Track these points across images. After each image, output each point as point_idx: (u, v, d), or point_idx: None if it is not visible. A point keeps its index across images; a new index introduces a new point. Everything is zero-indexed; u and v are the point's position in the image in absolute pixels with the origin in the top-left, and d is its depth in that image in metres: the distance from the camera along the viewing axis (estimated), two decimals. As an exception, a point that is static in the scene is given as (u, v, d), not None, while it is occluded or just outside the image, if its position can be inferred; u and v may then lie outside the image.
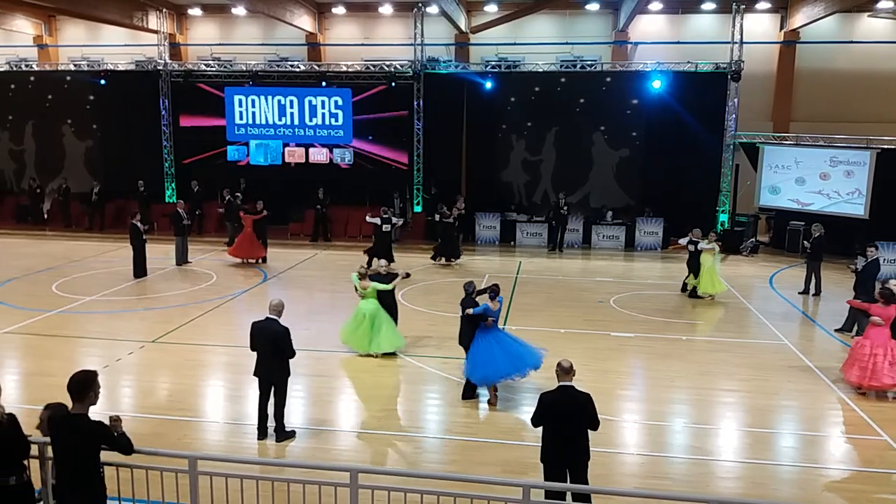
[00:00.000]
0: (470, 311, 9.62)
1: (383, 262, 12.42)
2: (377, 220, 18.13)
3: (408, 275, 12.44)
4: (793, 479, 7.91)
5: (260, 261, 18.79)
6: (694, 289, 15.86)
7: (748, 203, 22.61)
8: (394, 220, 18.44)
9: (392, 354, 11.48)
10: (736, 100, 22.02)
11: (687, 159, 22.26)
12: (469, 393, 9.78)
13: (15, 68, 25.97)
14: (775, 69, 24.49)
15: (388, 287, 11.59)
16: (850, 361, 10.22)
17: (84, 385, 5.13)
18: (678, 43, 23.96)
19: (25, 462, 5.32)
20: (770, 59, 24.37)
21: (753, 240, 21.66)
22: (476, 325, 9.63)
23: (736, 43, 21.57)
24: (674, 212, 22.06)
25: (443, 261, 19.39)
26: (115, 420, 5.41)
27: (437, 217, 20.17)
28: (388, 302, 11.81)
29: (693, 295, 15.84)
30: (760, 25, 24.12)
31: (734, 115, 22.19)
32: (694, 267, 15.84)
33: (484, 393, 9.78)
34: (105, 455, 5.56)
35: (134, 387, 10.33)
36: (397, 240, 20.61)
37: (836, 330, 13.23)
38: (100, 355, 11.41)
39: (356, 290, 11.63)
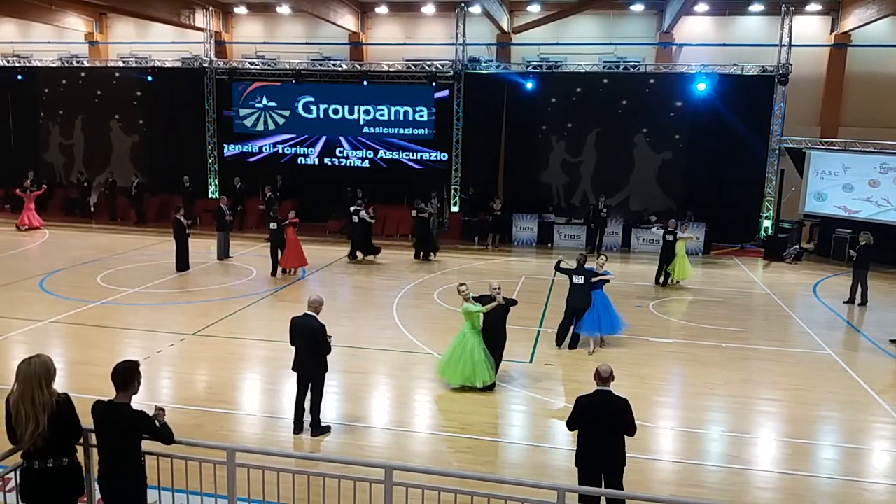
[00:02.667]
0: (608, 276, 12.00)
1: (496, 284, 10.21)
2: (366, 216, 18.94)
3: (514, 301, 10.39)
4: (833, 492, 7.71)
5: (293, 271, 17.38)
6: (668, 276, 16.97)
7: (793, 209, 22.12)
8: (362, 213, 18.97)
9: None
10: (782, 104, 21.61)
11: (731, 163, 21.90)
12: (574, 343, 11.87)
13: (66, 64, 26.68)
14: (824, 73, 23.91)
15: (477, 309, 9.85)
16: None
17: (127, 375, 5.22)
18: (724, 45, 23.54)
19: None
20: (819, 63, 23.80)
21: (797, 247, 21.20)
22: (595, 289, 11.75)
23: (784, 45, 21.15)
24: (716, 217, 21.73)
25: (422, 256, 19.72)
26: (159, 410, 5.51)
27: (413, 213, 20.15)
28: (493, 327, 10.14)
29: (666, 284, 17.00)
30: (810, 28, 23.57)
31: (780, 120, 21.78)
32: (668, 257, 16.82)
33: (512, 390, 9.73)
34: (146, 444, 5.67)
35: (174, 378, 10.52)
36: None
37: (892, 341, 12.84)
38: (141, 346, 11.65)
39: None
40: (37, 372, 4.98)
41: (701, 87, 21.65)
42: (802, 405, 9.93)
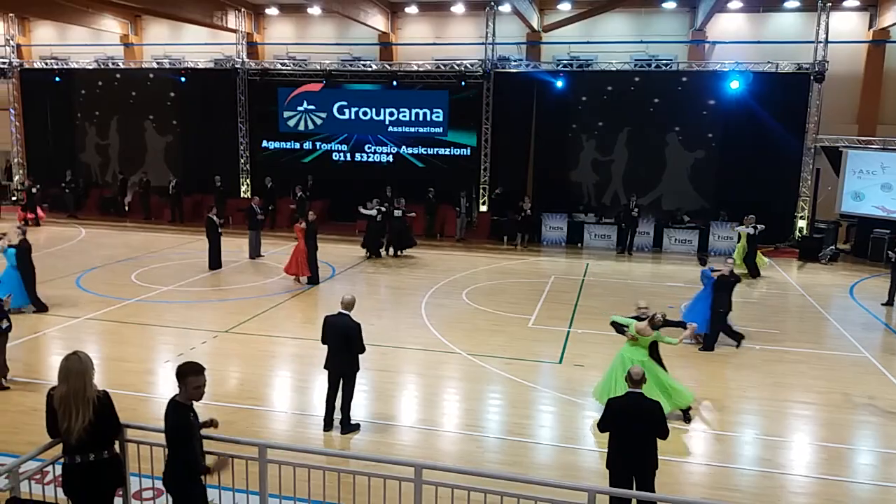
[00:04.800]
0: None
1: (643, 303, 9.66)
2: (372, 212, 19.09)
3: (682, 324, 9.89)
4: (870, 497, 7.55)
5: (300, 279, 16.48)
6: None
7: (828, 209, 21.69)
8: (383, 209, 19.42)
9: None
10: (819, 101, 21.22)
11: (765, 162, 21.57)
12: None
13: (102, 66, 27.17)
14: (862, 69, 23.37)
15: (675, 342, 9.17)
16: None
17: (177, 374, 5.24)
18: (759, 42, 23.15)
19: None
20: (857, 59, 23.27)
21: (833, 247, 20.79)
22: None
23: (821, 42, 20.76)
24: (750, 216, 21.37)
25: (392, 253, 20.11)
26: (210, 423, 5.56)
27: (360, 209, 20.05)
28: (656, 355, 9.55)
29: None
30: (847, 24, 23.05)
31: (816, 118, 21.38)
32: (754, 252, 17.74)
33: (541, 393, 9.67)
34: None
35: (207, 375, 10.62)
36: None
37: None
38: (174, 343, 11.82)
39: (622, 331, 9.26)
40: (86, 368, 5.12)
41: (734, 84, 21.36)
42: (838, 409, 9.74)
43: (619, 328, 9.25)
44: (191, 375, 5.19)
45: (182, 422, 5.17)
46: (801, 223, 21.88)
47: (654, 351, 9.36)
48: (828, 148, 21.56)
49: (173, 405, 5.21)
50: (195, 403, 5.29)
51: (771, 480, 7.77)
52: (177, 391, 5.21)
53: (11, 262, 13.02)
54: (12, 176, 27.18)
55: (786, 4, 22.56)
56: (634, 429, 6.24)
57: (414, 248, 20.43)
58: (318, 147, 25.50)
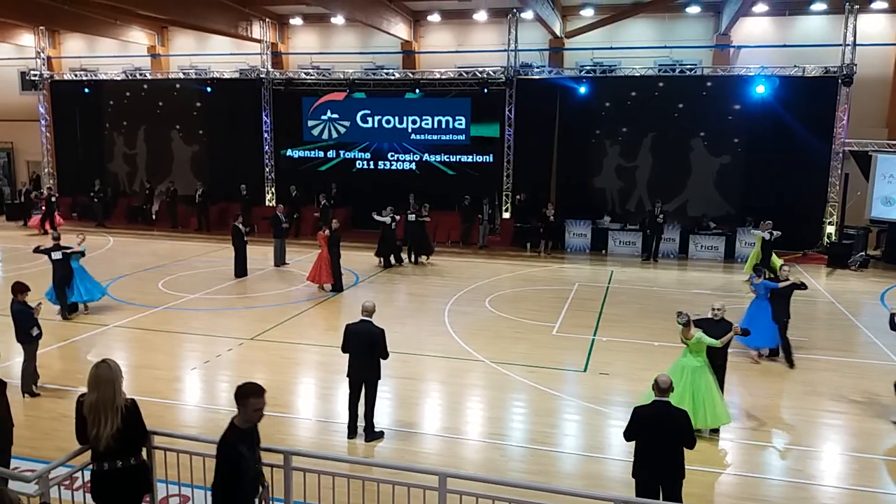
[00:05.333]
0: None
1: (719, 304, 9.39)
2: (386, 219, 18.97)
3: (746, 331, 9.52)
4: (906, 510, 7.40)
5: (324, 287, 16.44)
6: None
7: (858, 215, 21.32)
8: (397, 217, 19.38)
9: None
10: (847, 105, 20.92)
11: (792, 167, 21.30)
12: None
13: (130, 77, 27.62)
14: (891, 72, 23.00)
15: (718, 343, 8.73)
16: None
17: (237, 396, 5.00)
18: (785, 46, 22.89)
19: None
20: (885, 62, 22.91)
21: (863, 253, 20.44)
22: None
23: (848, 45, 20.49)
24: (777, 222, 21.07)
25: (414, 260, 20.19)
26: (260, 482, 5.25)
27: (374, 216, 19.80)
28: (718, 362, 9.15)
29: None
30: (875, 26, 22.70)
31: (844, 122, 21.08)
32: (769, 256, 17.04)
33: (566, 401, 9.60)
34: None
35: (232, 382, 10.65)
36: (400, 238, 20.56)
37: None
38: (201, 351, 11.93)
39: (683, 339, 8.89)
40: (115, 376, 5.19)
41: (760, 89, 21.14)
42: (870, 418, 9.55)
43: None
44: (252, 397, 4.92)
45: (230, 454, 4.83)
46: (830, 229, 21.55)
47: (713, 360, 8.91)
48: (856, 152, 21.22)
49: (229, 431, 4.93)
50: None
51: (801, 491, 7.63)
52: (229, 412, 5.04)
53: (75, 264, 13.71)
54: (40, 185, 27.69)
55: (812, 7, 22.28)
56: (661, 438, 6.17)
57: (437, 256, 20.45)
58: (341, 155, 25.65)
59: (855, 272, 19.66)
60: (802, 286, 11.93)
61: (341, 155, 25.61)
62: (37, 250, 13.78)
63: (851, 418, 9.57)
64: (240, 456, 4.83)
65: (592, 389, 10.41)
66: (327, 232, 16.50)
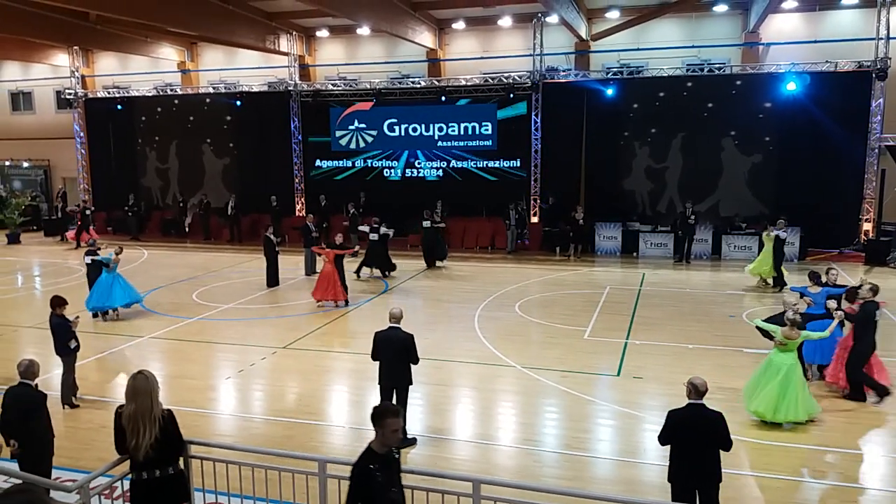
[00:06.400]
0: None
1: (798, 304, 9.43)
2: (366, 228, 18.82)
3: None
4: (954, 513, 7.19)
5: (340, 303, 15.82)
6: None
7: (895, 211, 20.88)
8: (382, 229, 18.75)
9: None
10: (882, 100, 20.51)
11: (826, 164, 20.94)
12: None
13: (161, 93, 28.13)
14: (927, 65, 22.53)
15: (826, 334, 9.30)
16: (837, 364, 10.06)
17: (374, 417, 4.86)
18: (815, 42, 22.52)
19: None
20: (921, 55, 22.46)
21: (903, 250, 19.99)
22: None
23: (881, 39, 20.09)
24: (811, 220, 20.77)
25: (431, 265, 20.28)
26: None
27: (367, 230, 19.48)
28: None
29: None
30: (909, 19, 22.29)
31: (879, 117, 20.66)
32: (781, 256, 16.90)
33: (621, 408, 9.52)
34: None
35: (266, 391, 10.84)
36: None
37: None
38: (235, 360, 12.06)
39: (769, 337, 9.12)
40: (152, 386, 5.29)
41: (791, 86, 20.82)
42: (914, 419, 9.31)
43: (765, 334, 9.19)
44: (389, 417, 4.78)
45: (361, 478, 4.63)
46: (867, 226, 21.10)
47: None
48: (893, 147, 20.78)
49: (364, 455, 4.76)
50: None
51: (843, 494, 7.47)
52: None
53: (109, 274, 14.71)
54: (66, 201, 28.32)
55: (843, 2, 21.93)
56: (696, 441, 6.08)
57: (465, 262, 20.48)
58: (369, 164, 25.83)
59: (894, 270, 19.21)
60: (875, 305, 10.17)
61: (369, 164, 25.82)
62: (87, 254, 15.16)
63: (892, 419, 9.33)
64: (371, 481, 4.61)
65: (626, 393, 10.31)
66: (331, 250, 15.95)
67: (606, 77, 22.93)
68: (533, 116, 23.53)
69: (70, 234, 26.17)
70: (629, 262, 21.34)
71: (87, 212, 25.61)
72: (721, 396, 9.41)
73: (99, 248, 15.19)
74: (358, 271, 18.76)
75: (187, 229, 27.42)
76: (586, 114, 23.35)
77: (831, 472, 8.00)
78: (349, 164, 26.06)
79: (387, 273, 19.15)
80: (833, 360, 10.21)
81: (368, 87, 25.12)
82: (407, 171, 25.43)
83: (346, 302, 15.79)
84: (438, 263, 20.49)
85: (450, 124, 24.71)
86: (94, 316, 14.62)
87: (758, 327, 9.25)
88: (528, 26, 23.78)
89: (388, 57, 27.03)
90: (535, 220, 23.87)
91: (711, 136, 22.34)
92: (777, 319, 9.16)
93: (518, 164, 24.19)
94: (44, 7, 21.14)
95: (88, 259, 14.89)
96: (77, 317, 10.16)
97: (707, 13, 23.41)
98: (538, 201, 23.82)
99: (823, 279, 11.16)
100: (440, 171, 25.05)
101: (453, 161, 24.84)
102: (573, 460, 8.35)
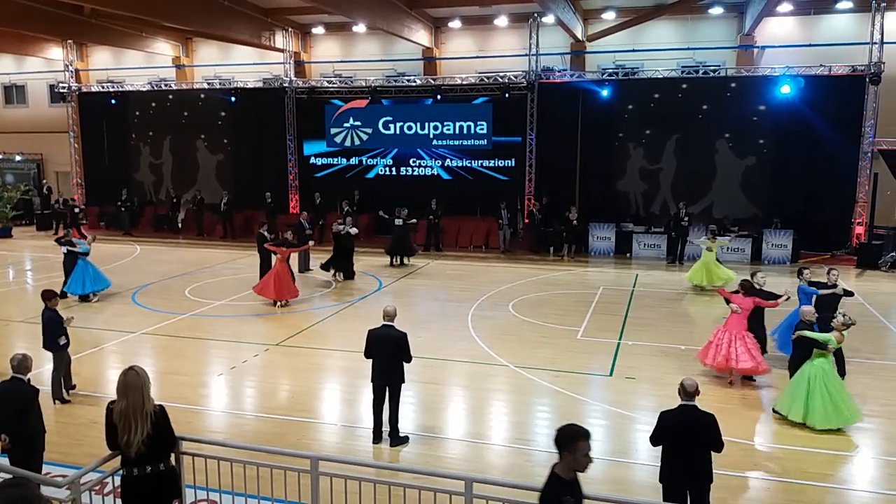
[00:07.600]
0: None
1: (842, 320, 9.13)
2: (340, 228, 18.59)
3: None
4: (942, 515, 7.23)
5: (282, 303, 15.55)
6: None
7: (888, 215, 20.98)
8: (347, 228, 18.45)
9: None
10: (875, 104, 20.60)
11: (819, 167, 21.05)
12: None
13: (155, 88, 28.03)
14: (921, 70, 22.65)
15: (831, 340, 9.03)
16: (710, 348, 10.63)
17: (560, 441, 4.41)
18: (810, 45, 22.61)
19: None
20: (914, 60, 22.57)
21: (893, 254, 20.06)
22: None
23: (875, 43, 20.19)
24: (804, 223, 20.86)
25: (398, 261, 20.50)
26: None
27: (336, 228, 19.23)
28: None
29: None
30: (903, 24, 22.41)
31: (872, 121, 20.77)
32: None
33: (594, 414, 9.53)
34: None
35: (258, 388, 10.82)
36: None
37: None
38: (227, 357, 12.04)
39: (820, 347, 8.96)
40: (143, 382, 5.27)
41: (785, 89, 20.90)
42: (904, 422, 9.36)
43: (816, 345, 8.91)
44: (581, 440, 4.29)
45: None
46: (859, 229, 21.21)
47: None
48: (885, 151, 20.88)
49: (551, 483, 4.36)
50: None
51: (834, 496, 7.51)
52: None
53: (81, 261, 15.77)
54: (50, 198, 28.19)
55: (837, 6, 22.02)
56: (688, 442, 6.11)
57: (458, 261, 20.48)
58: (364, 162, 25.81)
59: (886, 273, 19.32)
60: (849, 294, 11.31)
61: (364, 161, 25.79)
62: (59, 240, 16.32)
63: (884, 422, 9.39)
64: None
65: (618, 394, 10.33)
66: (280, 247, 15.79)
67: (602, 78, 22.98)
68: (528, 116, 23.53)
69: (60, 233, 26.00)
70: (622, 262, 21.39)
71: (77, 210, 25.41)
72: (714, 396, 9.45)
73: (71, 239, 16.36)
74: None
75: (180, 225, 27.33)
76: (581, 114, 23.40)
77: (823, 474, 8.03)
78: (344, 161, 26.03)
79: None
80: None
81: (364, 84, 25.09)
82: (401, 169, 25.44)
83: (287, 302, 15.53)
84: (406, 261, 20.60)
85: (445, 123, 24.69)
86: (84, 299, 15.80)
87: (802, 338, 8.97)
88: (525, 26, 23.81)
89: (384, 55, 27.01)
90: (527, 220, 23.85)
91: (706, 138, 22.41)
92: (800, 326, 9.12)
93: (513, 164, 24.21)
94: (38, 0, 21.03)
95: (65, 249, 15.94)
96: (72, 317, 10.11)
97: (703, 15, 23.49)
98: (532, 201, 23.81)
99: (824, 279, 11.50)
100: (435, 169, 25.07)
101: (448, 160, 24.85)
102: (565, 460, 8.35)
